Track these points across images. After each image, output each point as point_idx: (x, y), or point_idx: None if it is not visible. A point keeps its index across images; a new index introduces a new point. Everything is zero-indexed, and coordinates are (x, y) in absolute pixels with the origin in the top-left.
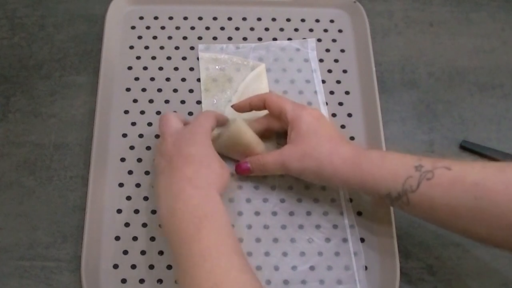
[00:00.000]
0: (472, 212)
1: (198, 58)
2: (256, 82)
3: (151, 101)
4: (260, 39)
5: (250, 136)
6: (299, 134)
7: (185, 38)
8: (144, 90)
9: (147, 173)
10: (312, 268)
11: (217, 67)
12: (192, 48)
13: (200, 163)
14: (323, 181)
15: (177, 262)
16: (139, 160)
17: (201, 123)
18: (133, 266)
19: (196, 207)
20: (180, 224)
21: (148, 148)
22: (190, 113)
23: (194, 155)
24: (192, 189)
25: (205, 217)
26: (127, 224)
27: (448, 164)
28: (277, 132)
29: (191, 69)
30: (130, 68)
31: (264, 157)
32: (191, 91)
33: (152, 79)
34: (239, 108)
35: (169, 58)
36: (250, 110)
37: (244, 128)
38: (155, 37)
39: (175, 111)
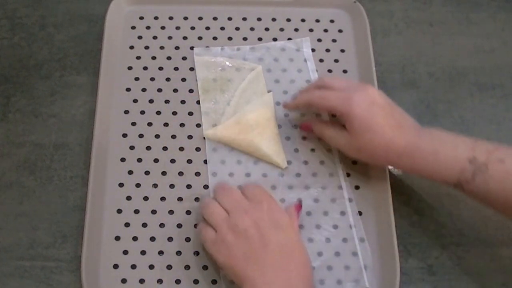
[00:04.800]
0: None
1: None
2: (253, 85)
3: (151, 101)
4: (260, 39)
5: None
6: (353, 129)
7: (185, 38)
8: (144, 90)
9: (147, 173)
10: (312, 268)
11: (213, 70)
12: (192, 48)
13: (294, 258)
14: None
15: None
16: (139, 160)
17: (273, 201)
18: (133, 266)
19: None
20: None
21: (148, 148)
22: (190, 113)
23: (285, 245)
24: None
25: None
26: (127, 224)
27: (501, 155)
28: None
29: (191, 69)
30: (130, 68)
31: (327, 130)
32: (191, 91)
33: (152, 79)
34: (287, 107)
35: (169, 58)
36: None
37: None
38: (155, 37)
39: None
